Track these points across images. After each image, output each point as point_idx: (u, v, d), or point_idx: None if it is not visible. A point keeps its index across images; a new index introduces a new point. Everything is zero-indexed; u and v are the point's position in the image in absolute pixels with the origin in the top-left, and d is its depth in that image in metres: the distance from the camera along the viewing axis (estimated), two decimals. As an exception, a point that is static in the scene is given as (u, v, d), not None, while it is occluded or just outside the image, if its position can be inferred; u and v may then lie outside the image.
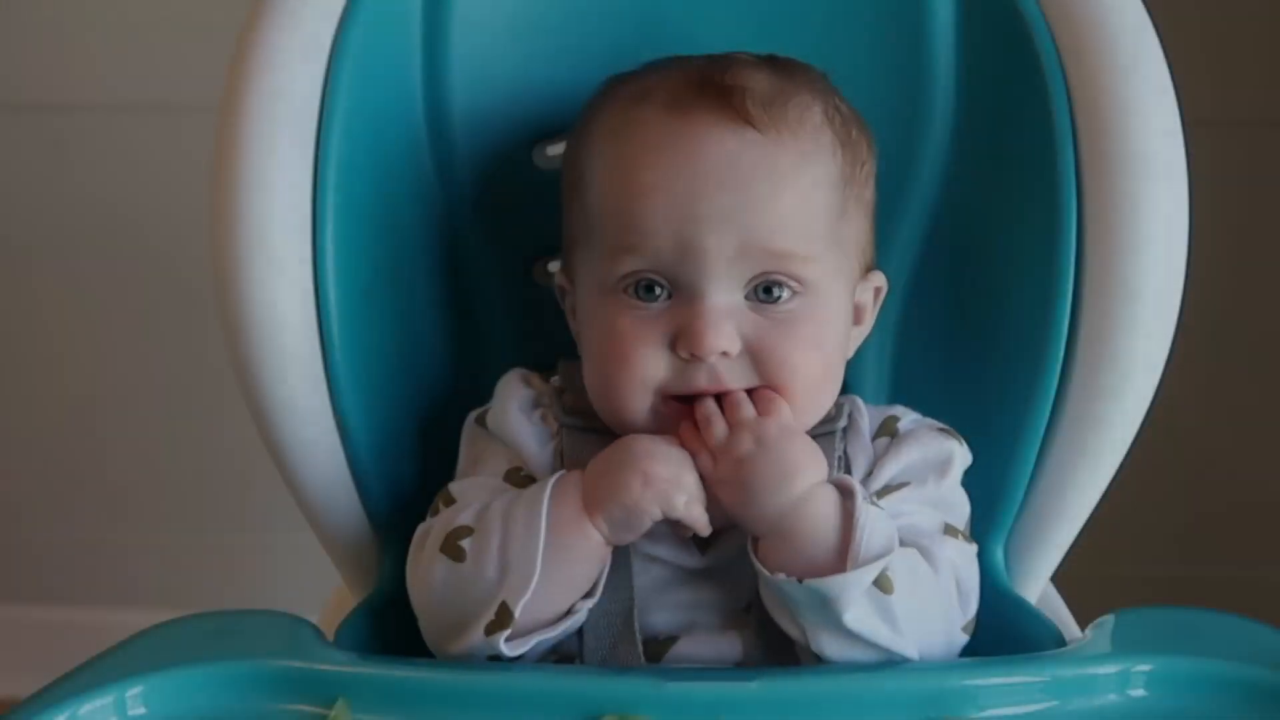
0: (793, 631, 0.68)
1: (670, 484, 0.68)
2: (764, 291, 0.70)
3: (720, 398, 0.70)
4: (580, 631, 0.70)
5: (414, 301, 0.84)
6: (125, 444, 1.62)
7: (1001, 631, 0.74)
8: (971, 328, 0.82)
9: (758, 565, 0.67)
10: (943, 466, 0.74)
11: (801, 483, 0.67)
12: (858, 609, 0.65)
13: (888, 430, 0.76)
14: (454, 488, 0.74)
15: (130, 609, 1.39)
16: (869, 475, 0.74)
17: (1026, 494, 0.79)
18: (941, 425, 0.77)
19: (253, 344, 0.75)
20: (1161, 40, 0.77)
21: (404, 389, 0.82)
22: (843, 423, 0.76)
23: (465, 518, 0.70)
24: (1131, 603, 0.70)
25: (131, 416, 1.61)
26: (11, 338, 1.59)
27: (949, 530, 0.73)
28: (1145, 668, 0.64)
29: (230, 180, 0.74)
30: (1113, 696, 0.63)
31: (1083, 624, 0.72)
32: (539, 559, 0.66)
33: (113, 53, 1.48)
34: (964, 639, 0.71)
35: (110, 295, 1.57)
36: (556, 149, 0.86)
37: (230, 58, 0.77)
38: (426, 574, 0.70)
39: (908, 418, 0.77)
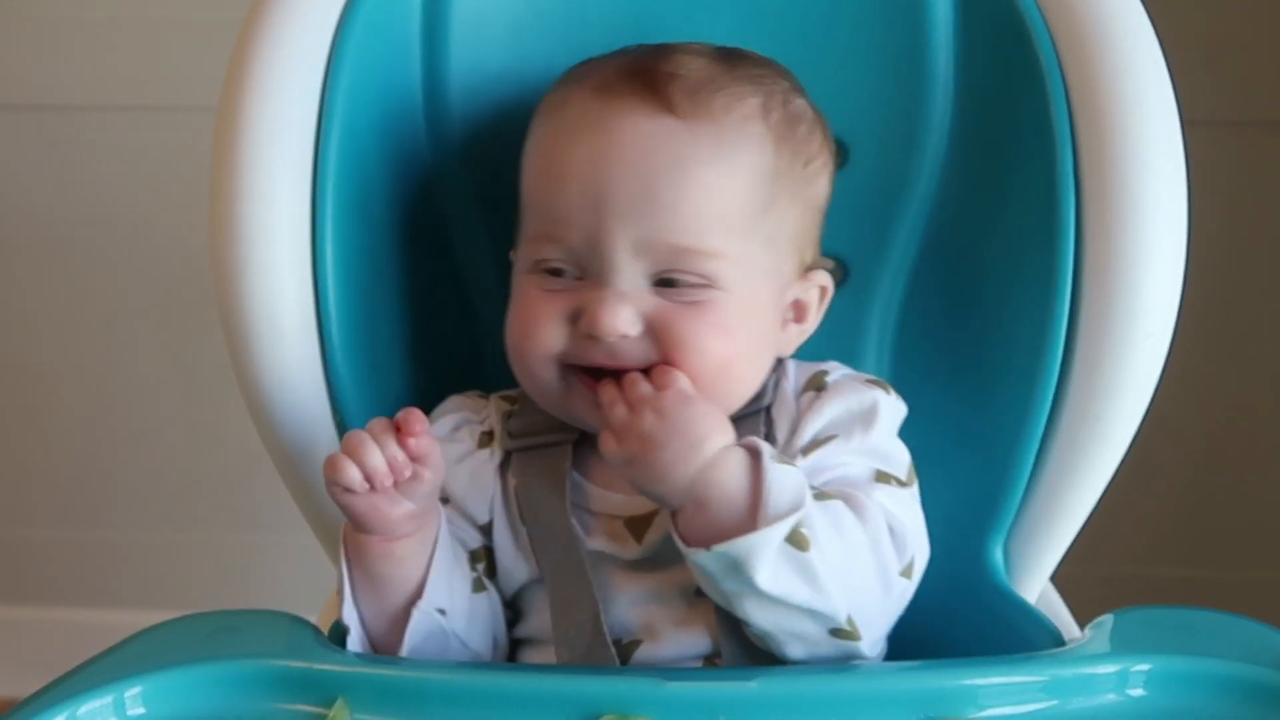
0: (722, 603, 0.67)
1: (329, 464, 0.68)
2: (668, 283, 0.70)
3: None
4: (554, 648, 0.71)
5: (414, 301, 0.84)
6: (125, 444, 1.62)
7: (1000, 631, 0.74)
8: (970, 328, 0.82)
9: (678, 542, 0.66)
10: (867, 416, 0.73)
11: (708, 448, 0.65)
12: (770, 569, 0.64)
13: (814, 385, 0.75)
14: None
15: (130, 609, 1.40)
16: (793, 433, 0.73)
17: (1026, 494, 0.79)
18: (870, 377, 0.76)
19: (253, 344, 0.75)
20: (1161, 40, 0.77)
21: (404, 389, 0.82)
22: (768, 399, 0.75)
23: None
24: (1131, 603, 0.70)
25: (131, 417, 1.61)
26: (11, 338, 1.59)
27: (881, 477, 0.71)
28: (1144, 667, 0.64)
29: (230, 180, 0.74)
30: (1112, 696, 0.63)
31: (1082, 624, 0.72)
32: (347, 579, 0.70)
33: (113, 53, 1.48)
34: (904, 583, 0.69)
35: (110, 295, 1.57)
36: (556, 149, 0.86)
37: (230, 58, 0.77)
38: None
39: (837, 373, 0.76)
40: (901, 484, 0.72)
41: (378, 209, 0.81)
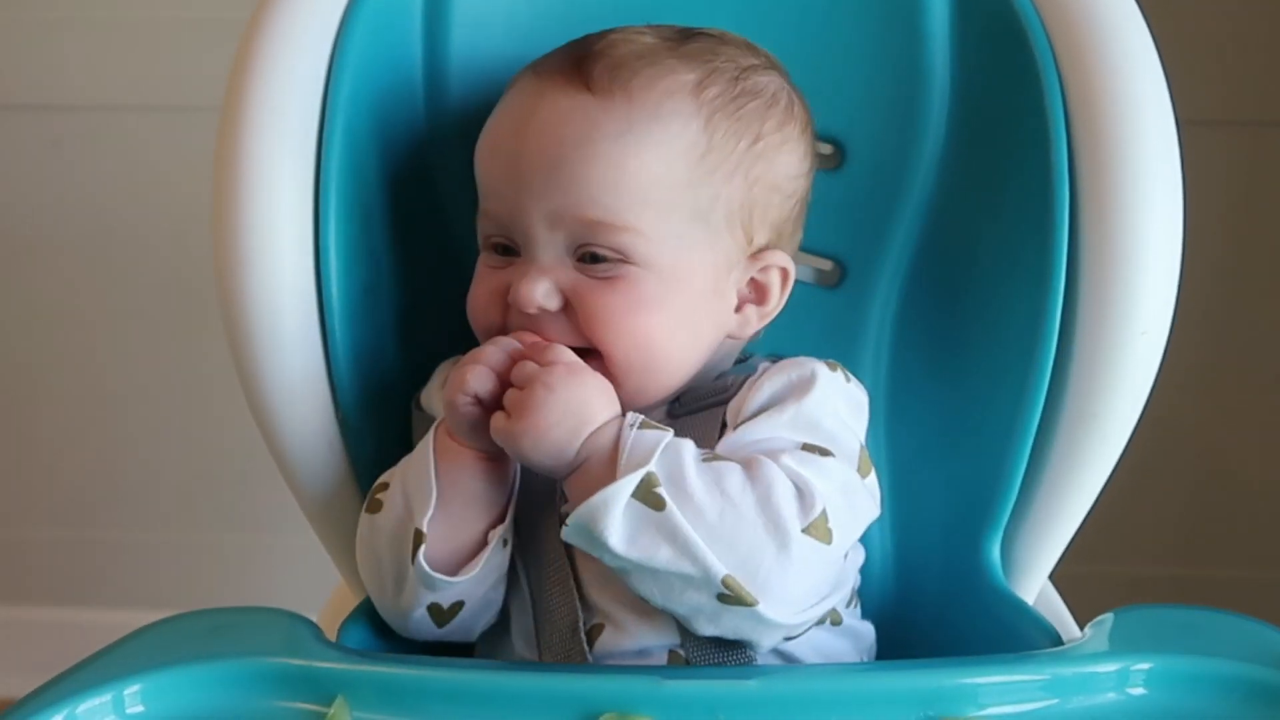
0: (624, 583, 0.67)
1: (463, 369, 0.69)
2: (590, 258, 0.71)
3: None
4: (539, 642, 0.72)
5: (415, 299, 0.84)
6: (125, 443, 1.62)
7: (997, 631, 0.74)
8: (966, 326, 0.82)
9: (559, 521, 0.68)
10: (801, 387, 0.72)
11: (592, 419, 0.67)
12: (623, 530, 0.64)
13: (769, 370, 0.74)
14: (387, 474, 0.75)
15: (130, 609, 1.40)
16: (738, 413, 0.72)
17: (1024, 492, 0.79)
18: (827, 360, 0.74)
19: (254, 342, 0.75)
20: (1160, 40, 0.77)
21: (405, 387, 0.82)
22: (731, 393, 0.74)
23: (384, 476, 0.73)
24: (1131, 602, 0.70)
25: (131, 417, 1.61)
26: (10, 338, 1.59)
27: (807, 448, 0.69)
28: (1144, 666, 0.64)
29: (233, 179, 0.74)
30: (1112, 695, 0.63)
31: (1082, 623, 0.72)
32: (433, 479, 0.69)
33: (113, 53, 1.48)
34: (810, 541, 0.65)
35: (110, 295, 1.57)
36: (556, 148, 0.86)
37: (232, 57, 0.77)
38: (359, 539, 0.73)
39: (797, 359, 0.75)
40: (823, 453, 0.69)
41: (380, 207, 0.81)
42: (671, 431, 0.67)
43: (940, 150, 0.83)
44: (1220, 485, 1.55)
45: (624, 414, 0.68)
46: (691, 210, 0.72)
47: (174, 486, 1.63)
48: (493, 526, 0.71)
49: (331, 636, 0.69)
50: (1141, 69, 0.76)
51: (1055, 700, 0.63)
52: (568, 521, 0.65)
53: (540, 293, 0.71)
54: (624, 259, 0.71)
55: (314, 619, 0.70)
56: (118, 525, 1.65)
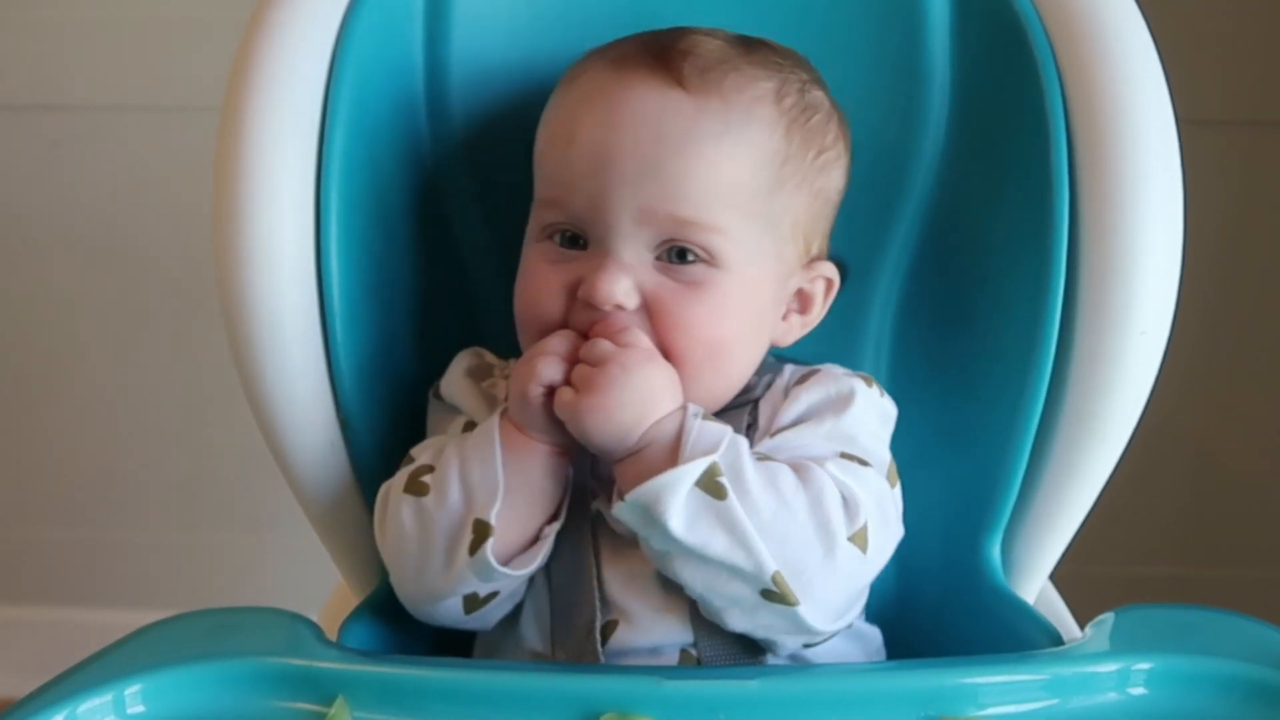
0: (656, 564, 0.68)
1: (534, 358, 0.69)
2: (676, 255, 0.71)
3: None
4: (551, 635, 0.72)
5: (416, 299, 0.84)
6: (125, 444, 1.62)
7: (997, 631, 0.74)
8: (966, 326, 0.82)
9: (613, 500, 0.67)
10: (843, 402, 0.73)
11: (659, 407, 0.67)
12: (683, 514, 0.64)
13: (802, 380, 0.75)
14: (414, 450, 0.75)
15: (130, 609, 1.40)
16: (772, 418, 0.73)
17: (1024, 492, 0.79)
18: (860, 373, 0.76)
19: (255, 342, 0.75)
20: (1161, 40, 0.77)
21: (406, 387, 0.82)
22: (759, 392, 0.75)
23: (425, 458, 0.72)
24: (1130, 601, 0.70)
25: (131, 417, 1.61)
26: (10, 338, 1.59)
27: (846, 456, 0.71)
28: (1145, 666, 0.64)
29: (234, 178, 0.74)
30: (1112, 695, 0.63)
31: (1082, 623, 0.72)
32: (499, 470, 0.68)
33: (113, 53, 1.48)
34: (856, 551, 0.67)
35: (110, 295, 1.57)
36: (556, 148, 0.87)
37: (232, 57, 0.77)
38: (395, 518, 0.71)
39: (829, 370, 0.76)
40: (863, 464, 0.71)
41: (381, 207, 0.81)
42: (730, 428, 0.68)
43: (940, 150, 0.84)
44: (1220, 485, 1.55)
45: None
46: (766, 218, 0.72)
47: (174, 486, 1.63)
48: (548, 522, 0.70)
49: (331, 636, 0.69)
50: (1141, 68, 0.76)
51: (1055, 700, 0.63)
52: (625, 498, 0.65)
53: (621, 290, 0.70)
54: (709, 260, 0.71)
55: (314, 619, 0.70)
56: (118, 525, 1.65)
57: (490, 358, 0.80)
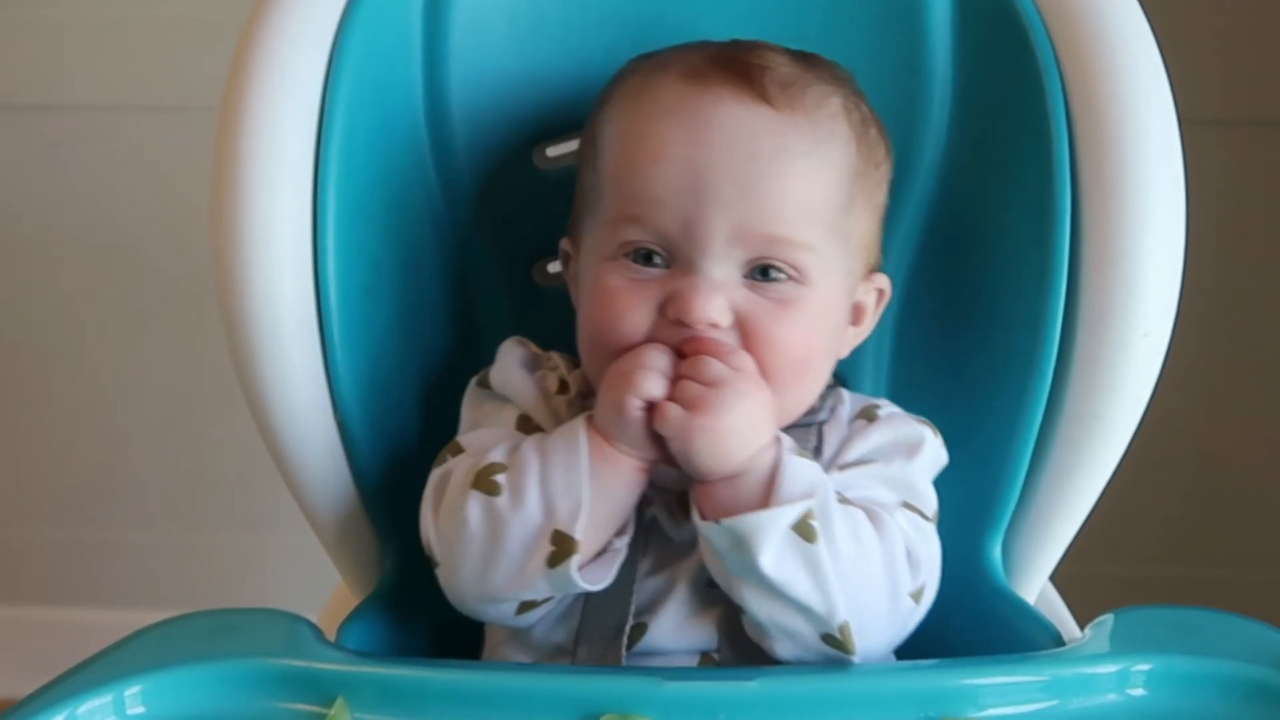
0: (722, 583, 0.68)
1: (633, 370, 0.67)
2: (760, 273, 0.70)
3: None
4: (579, 631, 0.71)
5: (414, 301, 0.84)
6: (125, 444, 1.62)
7: (999, 631, 0.74)
8: (967, 327, 0.82)
9: (694, 515, 0.67)
10: (911, 449, 0.74)
11: (764, 433, 0.67)
12: (775, 552, 0.64)
13: (866, 415, 0.76)
14: (463, 439, 0.74)
15: (130, 609, 1.40)
16: (839, 452, 0.74)
17: (1025, 493, 0.79)
18: (921, 418, 0.77)
19: (254, 343, 0.75)
20: (1162, 40, 0.77)
21: (404, 388, 0.82)
22: (824, 415, 0.75)
23: (496, 456, 0.69)
24: (1131, 603, 0.70)
25: (131, 417, 1.61)
26: (10, 338, 1.59)
27: (907, 506, 0.72)
28: (1145, 667, 0.64)
29: (232, 179, 0.74)
30: (1112, 696, 0.63)
31: (1082, 624, 0.72)
32: (585, 482, 0.67)
33: (113, 53, 1.48)
34: (912, 605, 0.70)
35: (110, 295, 1.57)
36: (557, 149, 0.87)
37: (231, 58, 0.77)
38: (457, 512, 0.69)
39: (888, 407, 0.77)
40: (925, 518, 0.73)
41: (378, 209, 0.81)
42: (819, 466, 0.69)
43: (941, 151, 0.83)
44: (1220, 486, 1.55)
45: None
46: (842, 233, 0.73)
47: (174, 486, 1.63)
48: (618, 534, 0.69)
49: (331, 637, 0.69)
50: (1143, 68, 0.76)
51: (1055, 701, 0.63)
52: (720, 523, 0.65)
53: (715, 308, 0.69)
54: (797, 278, 0.70)
55: (314, 619, 0.70)
56: (118, 525, 1.65)
57: (534, 348, 0.79)
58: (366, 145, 0.79)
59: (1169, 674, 0.64)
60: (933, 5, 0.83)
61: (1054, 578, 0.84)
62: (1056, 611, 0.81)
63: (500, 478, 0.68)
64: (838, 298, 0.74)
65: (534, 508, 0.67)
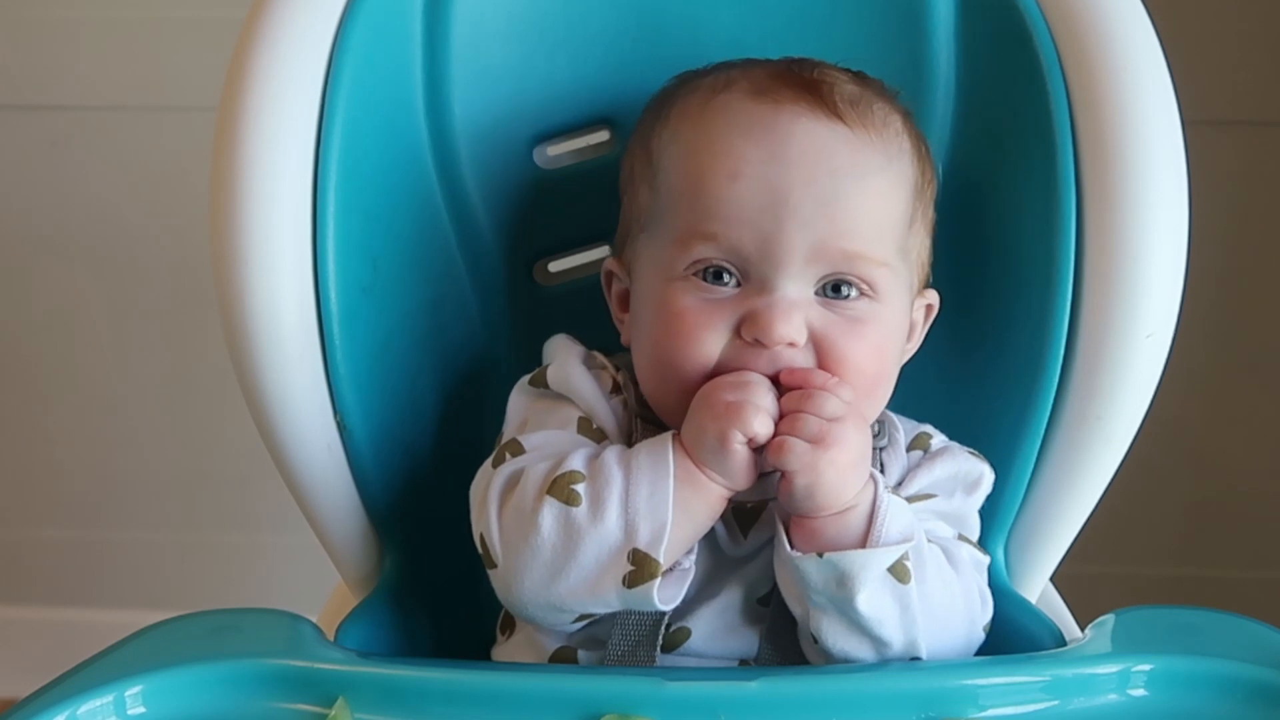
0: (797, 611, 0.68)
1: (741, 405, 0.66)
2: (833, 289, 0.70)
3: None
4: (615, 620, 0.70)
5: (414, 301, 0.83)
6: (125, 444, 1.62)
7: (1002, 631, 0.74)
8: (972, 327, 0.82)
9: (782, 541, 0.67)
10: (971, 485, 0.75)
11: (867, 466, 0.68)
12: (873, 591, 0.65)
13: (920, 445, 0.76)
14: (523, 439, 0.72)
15: (130, 609, 1.40)
16: (899, 485, 0.74)
17: (1027, 494, 0.79)
18: (971, 449, 0.77)
19: (253, 343, 0.75)
20: (1161, 40, 0.77)
21: (404, 388, 0.82)
22: (883, 441, 0.75)
23: (575, 464, 0.68)
24: (1131, 603, 0.70)
25: (131, 416, 1.61)
26: (10, 338, 1.59)
27: (963, 539, 0.74)
28: (1146, 667, 0.64)
29: (231, 179, 0.74)
30: (1113, 696, 0.63)
31: (1083, 624, 0.72)
32: (671, 507, 0.66)
33: (113, 53, 1.48)
34: (981, 637, 0.72)
35: (110, 295, 1.57)
36: (557, 149, 0.87)
37: (230, 57, 0.77)
38: (530, 517, 0.67)
39: (938, 436, 0.77)
40: (983, 552, 0.74)
41: (378, 208, 0.80)
42: (906, 503, 0.69)
43: (944, 152, 0.83)
44: (1221, 486, 1.55)
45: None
46: (905, 249, 0.73)
47: (174, 486, 1.63)
48: (685, 555, 0.69)
49: (331, 637, 0.69)
50: (1147, 69, 0.76)
51: (1056, 701, 0.63)
52: (822, 556, 0.65)
53: (794, 327, 0.69)
54: (870, 294, 0.70)
55: (314, 619, 0.70)
56: (118, 525, 1.65)
57: (581, 344, 0.78)
58: (367, 145, 0.79)
59: (1170, 674, 0.64)
60: (935, 5, 0.83)
61: (1055, 577, 0.84)
62: (1057, 611, 0.81)
63: (580, 488, 0.67)
64: (903, 313, 0.74)
65: (614, 524, 0.66)
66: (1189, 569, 1.56)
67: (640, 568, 0.66)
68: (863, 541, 0.66)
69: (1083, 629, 0.70)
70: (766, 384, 0.68)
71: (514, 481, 0.69)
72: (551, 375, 0.75)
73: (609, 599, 0.67)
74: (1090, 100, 0.76)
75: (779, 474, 0.67)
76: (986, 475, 0.76)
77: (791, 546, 0.67)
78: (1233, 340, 1.47)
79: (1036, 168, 0.78)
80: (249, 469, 1.52)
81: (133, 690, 0.62)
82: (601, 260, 0.88)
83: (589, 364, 0.76)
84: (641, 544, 0.66)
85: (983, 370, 0.81)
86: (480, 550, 0.70)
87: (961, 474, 0.75)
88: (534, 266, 0.88)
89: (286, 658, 0.64)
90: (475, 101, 0.84)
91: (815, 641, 0.68)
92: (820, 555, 0.65)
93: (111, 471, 1.63)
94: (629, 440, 0.73)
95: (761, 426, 0.66)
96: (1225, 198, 1.41)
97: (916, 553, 0.67)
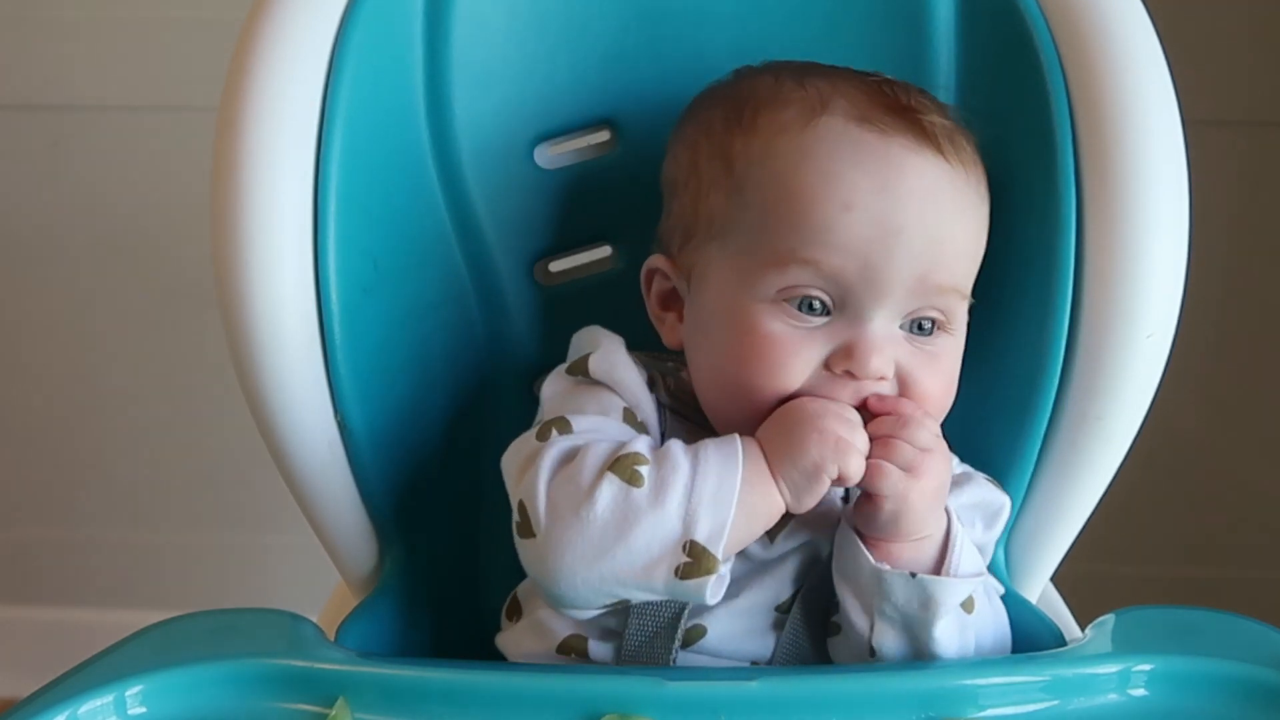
0: (861, 621, 0.69)
1: (848, 444, 0.67)
2: (916, 326, 0.71)
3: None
4: (630, 611, 0.70)
5: (415, 301, 0.83)
6: (125, 444, 1.62)
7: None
8: (972, 327, 0.82)
9: (863, 552, 0.68)
10: (992, 517, 0.76)
11: (943, 503, 0.70)
12: (950, 618, 0.68)
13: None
14: (572, 418, 0.70)
15: (130, 609, 1.40)
16: None
17: (1027, 493, 0.79)
18: (989, 477, 0.77)
19: (254, 342, 0.75)
20: (1161, 40, 0.77)
21: (404, 388, 0.82)
22: None
23: (639, 447, 0.67)
24: (1131, 603, 0.70)
25: (131, 416, 1.61)
26: (10, 337, 1.59)
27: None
28: (1146, 667, 0.64)
29: (232, 179, 0.74)
30: (1113, 696, 0.63)
31: (1083, 624, 0.72)
32: (734, 506, 0.65)
33: (113, 53, 1.48)
34: None
35: (110, 295, 1.57)
36: (558, 149, 0.86)
37: (231, 57, 0.77)
38: (586, 490, 0.65)
39: (954, 459, 0.76)
40: (999, 584, 0.75)
41: (379, 208, 0.80)
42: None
43: (942, 151, 0.83)
44: (1222, 486, 1.55)
45: None
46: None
47: (174, 486, 1.63)
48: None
49: (331, 637, 0.69)
50: (1147, 69, 0.76)
51: (1056, 701, 0.63)
52: (915, 576, 0.67)
53: (887, 364, 0.69)
54: (948, 329, 0.72)
55: (314, 619, 0.70)
56: (118, 525, 1.65)
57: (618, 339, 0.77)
58: (367, 145, 0.79)
59: (1170, 674, 0.64)
60: (935, 6, 0.83)
61: (1055, 578, 0.84)
62: (1057, 611, 0.81)
63: (644, 470, 0.66)
64: (963, 346, 0.74)
65: (674, 513, 0.65)
66: (1190, 569, 1.56)
67: (697, 561, 0.65)
68: (935, 570, 0.68)
69: (1083, 629, 0.70)
70: (860, 428, 0.68)
71: (570, 455, 0.68)
72: (594, 364, 0.74)
73: (656, 586, 0.65)
74: (1090, 100, 0.76)
75: (847, 491, 0.70)
76: (1006, 507, 0.76)
77: (875, 556, 0.68)
78: (1233, 340, 1.47)
79: (1037, 168, 0.78)
80: (249, 469, 1.52)
81: (133, 690, 0.62)
82: (602, 260, 0.88)
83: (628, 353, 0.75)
84: (700, 537, 0.65)
85: (983, 370, 0.81)
86: (517, 518, 0.67)
87: (983, 504, 0.75)
88: (534, 266, 0.88)
89: (286, 658, 0.64)
90: (476, 101, 0.84)
91: (873, 654, 0.69)
92: (913, 575, 0.67)
93: (111, 471, 1.63)
94: (662, 435, 0.73)
95: (857, 471, 0.67)
96: (1225, 198, 1.41)
97: (984, 585, 0.70)
